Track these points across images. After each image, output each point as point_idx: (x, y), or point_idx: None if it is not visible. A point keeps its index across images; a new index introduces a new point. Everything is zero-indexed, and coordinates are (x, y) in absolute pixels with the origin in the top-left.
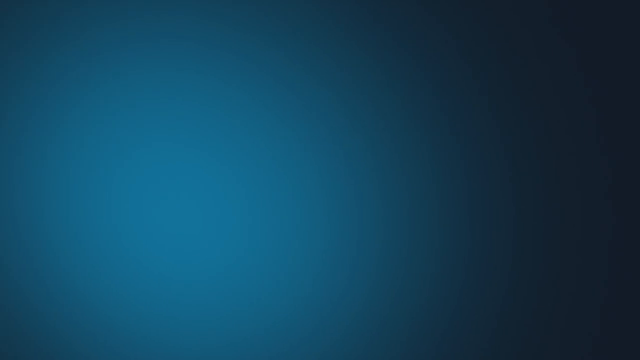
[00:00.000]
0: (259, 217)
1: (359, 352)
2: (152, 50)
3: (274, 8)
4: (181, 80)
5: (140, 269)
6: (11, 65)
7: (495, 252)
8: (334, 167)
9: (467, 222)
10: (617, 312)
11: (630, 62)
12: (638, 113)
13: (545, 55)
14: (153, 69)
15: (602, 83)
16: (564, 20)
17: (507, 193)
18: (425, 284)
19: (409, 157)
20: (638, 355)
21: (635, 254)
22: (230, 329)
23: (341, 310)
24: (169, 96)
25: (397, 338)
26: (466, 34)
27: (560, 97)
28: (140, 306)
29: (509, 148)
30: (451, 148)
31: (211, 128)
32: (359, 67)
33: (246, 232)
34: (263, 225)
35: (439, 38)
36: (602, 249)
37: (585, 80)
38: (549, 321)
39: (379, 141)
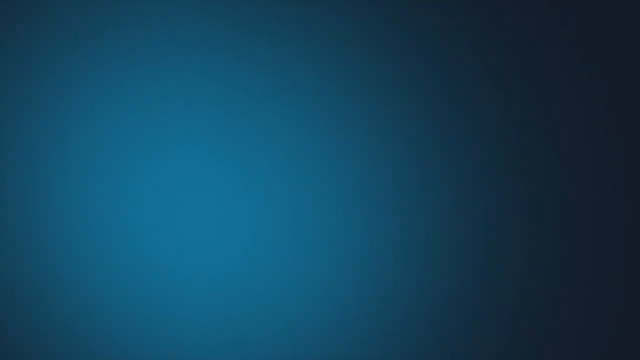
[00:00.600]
0: (267, 218)
1: (368, 355)
2: (160, 53)
3: (278, 8)
4: (190, 82)
5: (151, 269)
6: (25, 67)
7: (510, 251)
8: (344, 166)
9: (481, 223)
10: (632, 315)
11: None
12: None
13: (560, 53)
14: (163, 71)
15: (616, 82)
16: (576, 20)
17: (522, 192)
18: (438, 286)
19: (422, 156)
20: None
21: None
22: (239, 330)
23: (351, 312)
24: (178, 98)
25: (409, 341)
26: (480, 33)
27: (574, 95)
28: (150, 306)
29: (524, 148)
30: (464, 147)
31: (224, 130)
32: (366, 64)
33: (256, 233)
34: (272, 226)
35: (449, 34)
36: (618, 249)
37: (598, 79)
38: (565, 324)
39: (391, 140)
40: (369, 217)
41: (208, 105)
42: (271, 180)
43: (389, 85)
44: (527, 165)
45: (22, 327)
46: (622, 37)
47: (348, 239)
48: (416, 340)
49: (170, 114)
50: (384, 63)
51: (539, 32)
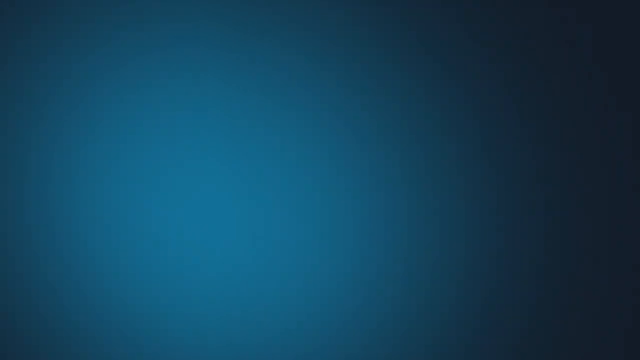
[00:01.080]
0: (271, 218)
1: (371, 355)
2: (162, 54)
3: (281, 7)
4: (194, 83)
5: (152, 269)
6: (46, 67)
7: (524, 254)
8: (349, 166)
9: (491, 224)
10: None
11: None
12: None
13: (571, 52)
14: (166, 71)
15: (625, 81)
16: (586, 19)
17: (534, 194)
18: (445, 288)
19: (431, 156)
20: None
21: None
22: (240, 331)
23: (354, 313)
24: (181, 98)
25: (412, 342)
26: (491, 31)
27: (584, 94)
28: (151, 306)
29: (534, 149)
30: (474, 148)
31: (227, 130)
32: (373, 64)
33: (258, 234)
34: (274, 226)
35: (457, 33)
36: (629, 250)
37: (608, 79)
38: (575, 326)
39: (397, 140)
40: (374, 218)
41: (212, 105)
42: (274, 181)
43: (396, 85)
44: (537, 167)
45: (22, 326)
46: (630, 35)
47: (351, 239)
48: (417, 342)
49: (176, 115)
50: (391, 62)
51: (550, 32)
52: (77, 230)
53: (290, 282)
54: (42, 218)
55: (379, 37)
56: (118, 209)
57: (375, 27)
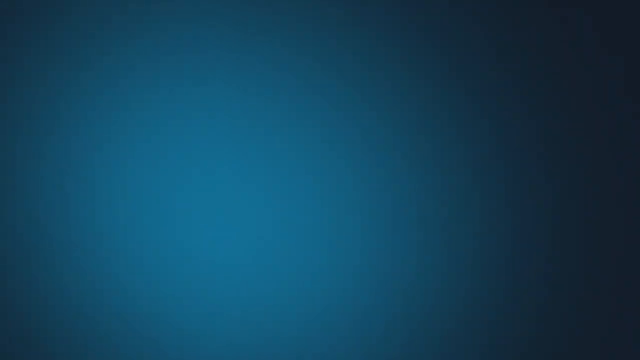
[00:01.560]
0: (275, 218)
1: (374, 356)
2: (168, 54)
3: (286, 8)
4: (199, 84)
5: (152, 269)
6: (59, 67)
7: (532, 255)
8: (355, 166)
9: (502, 226)
10: None
11: None
12: None
13: (575, 51)
14: (172, 71)
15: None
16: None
17: (544, 194)
18: (453, 289)
19: (435, 156)
20: None
21: None
22: (240, 331)
23: (358, 314)
24: (188, 101)
25: (418, 342)
26: (492, 33)
27: (589, 93)
28: (151, 306)
29: (542, 149)
30: (479, 148)
31: (232, 131)
32: (379, 64)
33: (260, 234)
34: (276, 227)
35: (460, 33)
36: (633, 249)
37: (616, 78)
38: (590, 329)
39: (406, 141)
40: (378, 218)
41: (213, 106)
42: (276, 180)
43: (400, 85)
44: (541, 166)
45: (21, 327)
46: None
47: (354, 239)
48: (419, 342)
49: (177, 115)
50: (394, 62)
51: (553, 29)
52: (75, 229)
53: (292, 283)
54: (50, 219)
55: (381, 37)
56: (118, 209)
57: (377, 26)
